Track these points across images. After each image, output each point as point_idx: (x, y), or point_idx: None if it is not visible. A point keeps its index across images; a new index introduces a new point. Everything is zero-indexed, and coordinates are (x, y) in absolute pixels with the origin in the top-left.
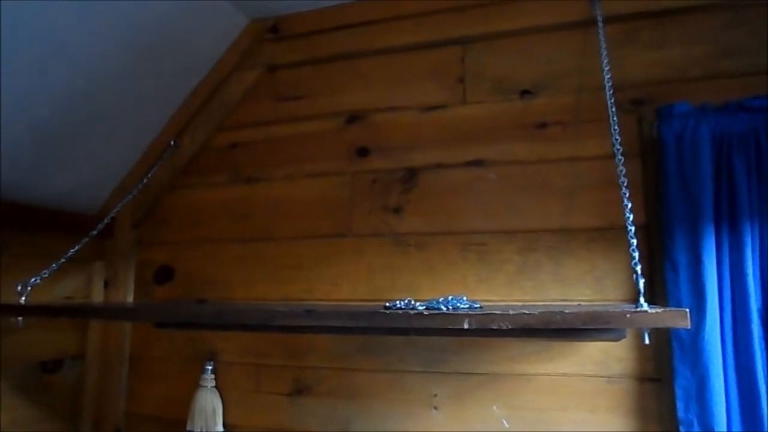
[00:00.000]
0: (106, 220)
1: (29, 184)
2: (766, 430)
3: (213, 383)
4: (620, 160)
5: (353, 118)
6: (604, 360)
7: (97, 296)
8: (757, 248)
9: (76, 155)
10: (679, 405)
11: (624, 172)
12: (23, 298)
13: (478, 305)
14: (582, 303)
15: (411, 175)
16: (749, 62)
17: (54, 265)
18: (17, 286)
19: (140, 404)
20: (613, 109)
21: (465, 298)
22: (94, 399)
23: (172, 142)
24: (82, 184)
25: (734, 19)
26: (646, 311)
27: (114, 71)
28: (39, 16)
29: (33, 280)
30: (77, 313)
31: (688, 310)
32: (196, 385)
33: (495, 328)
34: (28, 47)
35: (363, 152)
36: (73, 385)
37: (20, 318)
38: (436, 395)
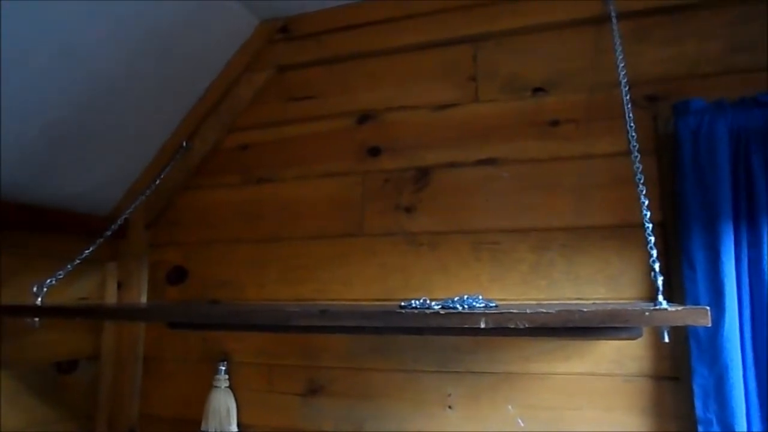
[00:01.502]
0: (119, 222)
1: (42, 186)
2: None
3: (227, 383)
4: (636, 157)
5: (364, 117)
6: (620, 359)
7: (111, 297)
8: None
9: (89, 157)
10: (698, 404)
11: (640, 169)
12: (39, 299)
13: (494, 304)
14: (597, 301)
15: (423, 174)
16: (762, 57)
17: (69, 266)
18: (33, 288)
19: (154, 405)
20: (629, 106)
21: (480, 297)
22: (108, 399)
23: (183, 144)
24: (95, 186)
25: (746, 15)
26: (665, 309)
27: (125, 73)
28: (49, 19)
29: (48, 281)
30: (92, 314)
31: (708, 307)
32: (209, 385)
33: (512, 327)
34: (39, 51)
35: (374, 152)
36: (88, 385)
37: (36, 319)
38: (450, 395)
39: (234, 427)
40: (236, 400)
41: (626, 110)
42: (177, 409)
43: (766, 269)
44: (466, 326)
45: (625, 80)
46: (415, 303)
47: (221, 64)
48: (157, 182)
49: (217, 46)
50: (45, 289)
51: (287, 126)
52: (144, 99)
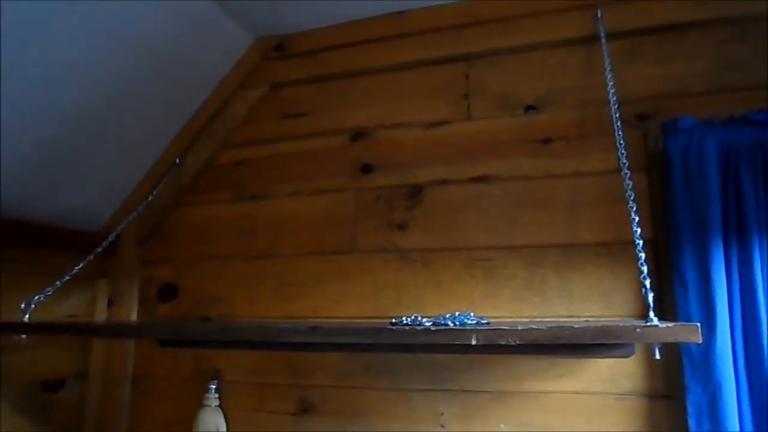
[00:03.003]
0: (110, 238)
1: (34, 202)
2: None
3: (217, 402)
4: (627, 174)
5: (357, 135)
6: (613, 377)
7: (101, 314)
8: (766, 261)
9: (81, 173)
10: (691, 422)
11: (630, 186)
12: (26, 315)
13: (486, 321)
14: (589, 319)
15: (416, 191)
16: (751, 76)
17: (58, 282)
18: (21, 304)
19: (143, 424)
20: (619, 124)
21: (472, 314)
22: (96, 418)
23: (177, 160)
24: (87, 202)
25: (735, 34)
26: (656, 326)
27: (119, 89)
28: (44, 36)
29: (37, 297)
30: (80, 331)
31: (699, 324)
32: (199, 404)
33: (503, 343)
34: (33, 67)
35: (367, 169)
36: (76, 404)
37: (24, 336)
38: (443, 414)
39: None
40: (226, 419)
41: (616, 128)
42: (166, 428)
43: (757, 285)
44: (457, 342)
45: (615, 99)
46: (406, 320)
47: (216, 81)
48: (150, 198)
49: (211, 63)
50: (33, 306)
51: (281, 143)
52: (138, 115)
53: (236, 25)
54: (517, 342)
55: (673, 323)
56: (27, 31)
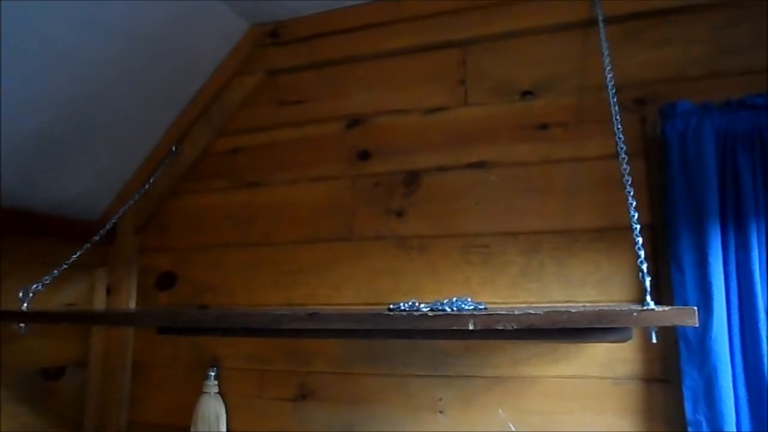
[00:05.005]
0: (107, 226)
1: (31, 191)
2: None
3: (216, 389)
4: (624, 159)
5: (354, 121)
6: (611, 361)
7: (100, 303)
8: (764, 246)
9: (78, 162)
10: (687, 406)
11: (628, 171)
12: (25, 304)
13: (483, 306)
14: (587, 304)
15: (413, 177)
16: (750, 60)
17: (56, 271)
18: (19, 293)
19: (143, 411)
20: (617, 109)
21: (469, 299)
22: (96, 406)
23: (173, 148)
24: (84, 191)
25: (734, 18)
26: (653, 309)
27: (115, 78)
28: (40, 24)
29: (35, 286)
30: (79, 319)
31: (695, 307)
32: (199, 391)
33: (500, 328)
34: (29, 54)
35: (364, 155)
36: (76, 392)
37: (23, 324)
38: (441, 399)
39: None
40: (226, 405)
41: (614, 113)
42: (166, 416)
43: (754, 270)
44: (455, 328)
45: (613, 83)
46: (403, 305)
47: (211, 68)
48: (147, 187)
49: (207, 50)
50: (31, 294)
51: (277, 130)
52: (133, 103)
53: (231, 12)
54: (515, 327)
55: (669, 307)
56: (22, 21)
